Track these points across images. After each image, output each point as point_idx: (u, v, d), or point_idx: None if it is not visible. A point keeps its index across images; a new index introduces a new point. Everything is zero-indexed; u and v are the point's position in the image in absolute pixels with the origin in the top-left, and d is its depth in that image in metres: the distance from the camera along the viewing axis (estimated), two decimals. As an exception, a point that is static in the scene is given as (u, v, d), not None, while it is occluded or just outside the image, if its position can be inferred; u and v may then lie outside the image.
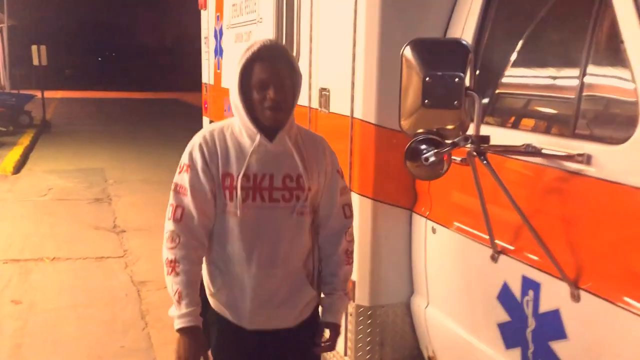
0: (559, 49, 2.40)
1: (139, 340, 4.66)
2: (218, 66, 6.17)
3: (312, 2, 3.56)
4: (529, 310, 2.31)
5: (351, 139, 3.10)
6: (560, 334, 2.17)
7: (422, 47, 2.14)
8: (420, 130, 2.21)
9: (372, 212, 3.08)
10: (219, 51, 6.11)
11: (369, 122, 2.99)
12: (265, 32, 4.51)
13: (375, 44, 2.93)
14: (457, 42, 2.16)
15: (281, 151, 2.26)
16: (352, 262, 2.52)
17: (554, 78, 2.44)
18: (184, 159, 2.29)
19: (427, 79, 2.10)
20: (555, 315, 2.19)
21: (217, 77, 6.22)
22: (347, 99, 3.12)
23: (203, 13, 6.84)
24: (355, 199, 3.08)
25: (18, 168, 11.68)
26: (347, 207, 2.48)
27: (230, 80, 2.24)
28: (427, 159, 2.16)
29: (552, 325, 2.20)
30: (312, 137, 2.46)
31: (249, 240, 2.26)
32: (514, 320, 2.40)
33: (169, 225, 2.28)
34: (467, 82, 2.07)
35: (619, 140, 1.97)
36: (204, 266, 2.39)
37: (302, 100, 3.72)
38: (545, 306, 2.24)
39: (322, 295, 2.49)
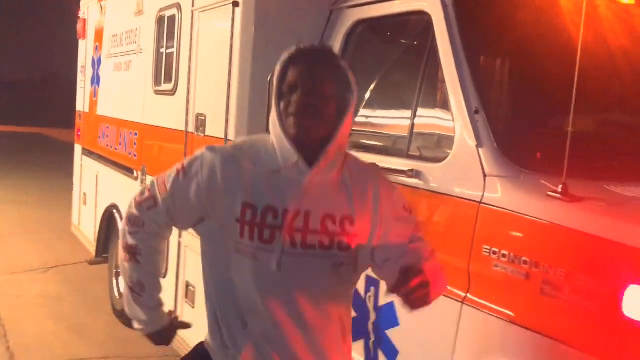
0: (398, 93, 2.91)
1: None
2: (94, 94, 6.25)
3: (191, 36, 3.88)
4: (370, 305, 2.70)
5: (223, 159, 3.40)
6: (394, 323, 2.57)
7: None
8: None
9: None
10: (96, 79, 6.21)
11: (240, 144, 3.31)
12: (145, 62, 4.74)
13: (248, 75, 3.29)
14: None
15: (324, 183, 1.73)
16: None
17: (396, 113, 2.94)
18: (186, 161, 1.83)
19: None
20: (390, 307, 2.59)
21: (93, 104, 6.29)
22: (222, 123, 3.43)
23: (81, 43, 6.91)
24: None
25: None
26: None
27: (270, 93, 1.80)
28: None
29: (388, 316, 2.60)
30: (362, 166, 1.86)
31: (267, 294, 1.74)
32: (358, 315, 2.78)
33: (134, 209, 1.87)
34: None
35: (438, 159, 2.46)
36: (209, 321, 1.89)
37: (179, 125, 4.01)
38: (382, 300, 2.64)
39: None
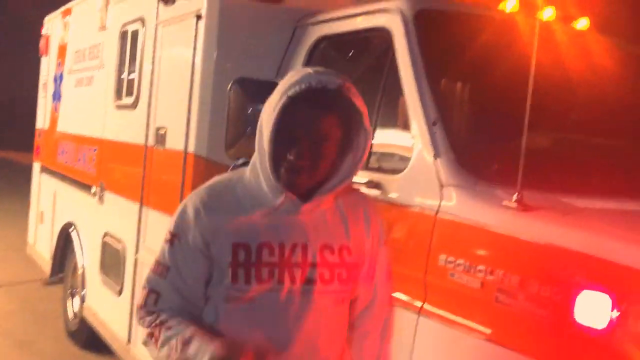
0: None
1: None
2: (55, 110, 6.15)
3: (154, 49, 3.86)
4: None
5: (184, 172, 3.36)
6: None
7: (247, 85, 2.52)
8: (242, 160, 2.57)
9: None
10: (57, 96, 6.11)
11: (201, 156, 3.29)
12: (107, 76, 4.69)
13: (210, 88, 3.28)
14: (275, 83, 2.55)
15: (317, 214, 1.62)
16: None
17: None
18: (170, 226, 1.65)
19: (250, 110, 2.48)
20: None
21: (53, 121, 6.18)
22: (183, 136, 3.40)
23: (43, 59, 6.82)
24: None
25: None
26: (391, 296, 1.85)
27: (263, 120, 1.61)
28: (247, 179, 2.50)
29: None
30: (352, 194, 1.76)
31: (274, 341, 1.56)
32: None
33: (140, 315, 1.63)
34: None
35: (397, 170, 2.48)
36: None
37: (139, 139, 3.96)
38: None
39: None
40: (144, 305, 1.62)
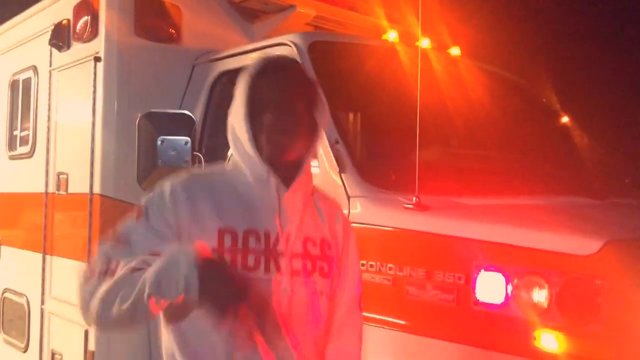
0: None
1: None
2: None
3: (50, 95, 3.84)
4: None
5: (91, 214, 3.35)
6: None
7: (156, 117, 2.62)
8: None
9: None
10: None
11: (108, 196, 3.30)
12: (-4, 128, 4.57)
13: (113, 127, 3.33)
14: (184, 114, 2.69)
15: (298, 205, 1.61)
16: None
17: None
18: (142, 203, 1.56)
19: (160, 142, 2.57)
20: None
21: None
22: (87, 179, 3.39)
23: None
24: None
25: None
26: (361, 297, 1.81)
27: (233, 109, 1.61)
28: (163, 208, 2.57)
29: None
30: (327, 197, 1.78)
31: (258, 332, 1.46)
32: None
33: (85, 282, 1.46)
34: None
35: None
36: None
37: (38, 187, 3.88)
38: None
39: None
40: (92, 275, 1.44)
